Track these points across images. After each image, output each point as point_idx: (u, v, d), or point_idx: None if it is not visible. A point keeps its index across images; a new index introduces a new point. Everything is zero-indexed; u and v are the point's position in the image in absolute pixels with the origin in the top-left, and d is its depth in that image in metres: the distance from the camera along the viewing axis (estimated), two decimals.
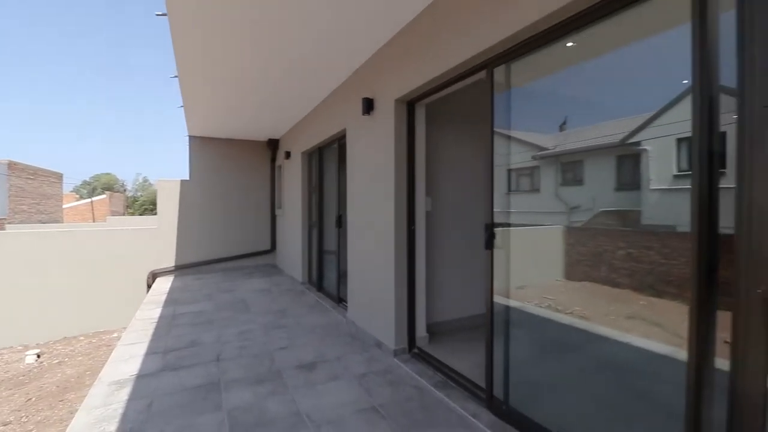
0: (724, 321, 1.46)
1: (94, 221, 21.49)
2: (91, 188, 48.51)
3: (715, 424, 1.54)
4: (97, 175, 53.30)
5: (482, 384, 2.75)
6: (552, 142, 2.81)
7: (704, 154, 1.49)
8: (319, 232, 6.58)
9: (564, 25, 2.09)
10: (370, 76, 4.14)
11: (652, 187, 2.22)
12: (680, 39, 1.59)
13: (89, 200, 24.39)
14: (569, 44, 2.24)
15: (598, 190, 2.60)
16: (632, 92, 2.20)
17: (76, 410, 2.86)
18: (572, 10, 1.99)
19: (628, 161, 2.41)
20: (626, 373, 2.23)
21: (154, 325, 4.69)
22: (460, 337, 3.99)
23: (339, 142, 5.40)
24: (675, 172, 2.05)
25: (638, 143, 2.25)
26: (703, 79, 1.50)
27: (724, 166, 1.48)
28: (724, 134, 1.48)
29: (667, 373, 1.93)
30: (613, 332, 2.37)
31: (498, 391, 2.62)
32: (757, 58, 1.31)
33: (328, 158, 6.24)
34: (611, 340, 2.36)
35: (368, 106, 3.99)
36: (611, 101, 2.32)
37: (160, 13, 3.14)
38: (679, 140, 1.93)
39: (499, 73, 2.61)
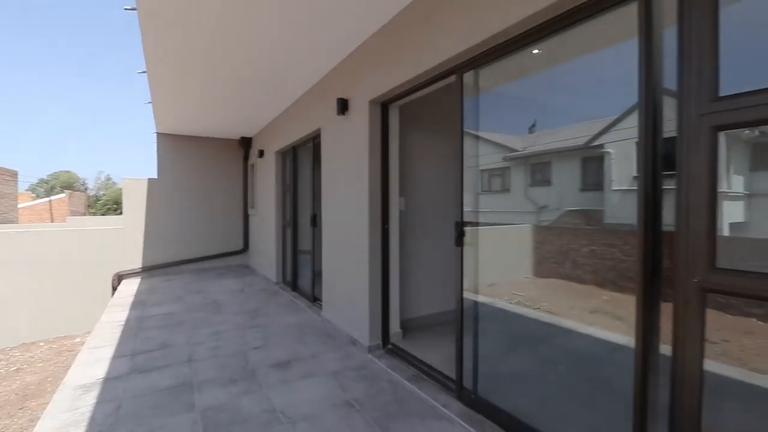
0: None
1: (52, 221, 20.33)
2: (49, 187, 45.84)
3: (660, 406, 1.68)
4: (56, 173, 50.41)
5: (453, 376, 2.85)
6: (521, 144, 2.94)
7: (649, 157, 1.63)
8: (293, 232, 6.54)
9: (529, 34, 2.21)
10: (345, 77, 4.17)
11: (614, 187, 2.35)
12: (636, 49, 1.71)
13: (47, 199, 23.01)
14: (535, 51, 2.36)
15: (565, 190, 2.74)
16: (595, 97, 2.32)
17: (38, 418, 2.76)
18: (536, 20, 2.10)
19: (592, 163, 2.55)
20: (587, 363, 2.38)
21: (121, 328, 4.54)
22: (433, 332, 4.10)
23: (314, 142, 5.40)
24: (634, 174, 2.18)
25: (602, 146, 2.39)
26: (648, 88, 1.64)
27: (674, 168, 1.61)
28: (674, 139, 1.61)
29: (623, 362, 2.07)
30: (577, 325, 2.50)
31: (467, 382, 2.74)
32: (694, 70, 1.45)
33: (303, 157, 6.22)
34: (575, 333, 2.50)
35: (343, 106, 4.03)
36: (576, 106, 2.44)
37: (129, 7, 3.07)
38: (638, 143, 2.07)
39: (468, 77, 2.72)
